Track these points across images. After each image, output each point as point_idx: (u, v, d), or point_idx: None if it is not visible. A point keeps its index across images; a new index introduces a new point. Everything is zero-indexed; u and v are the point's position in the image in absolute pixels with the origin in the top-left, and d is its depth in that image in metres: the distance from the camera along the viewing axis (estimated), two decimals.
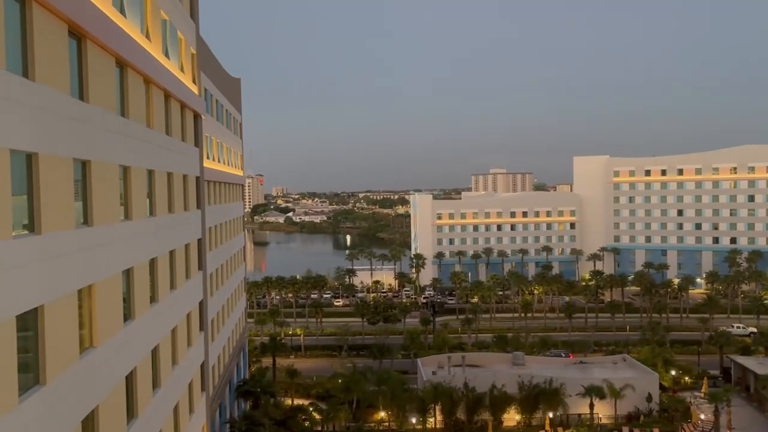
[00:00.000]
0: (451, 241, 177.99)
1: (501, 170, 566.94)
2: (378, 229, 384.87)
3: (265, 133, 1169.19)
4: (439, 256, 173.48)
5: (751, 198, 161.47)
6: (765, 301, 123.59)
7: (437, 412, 71.16)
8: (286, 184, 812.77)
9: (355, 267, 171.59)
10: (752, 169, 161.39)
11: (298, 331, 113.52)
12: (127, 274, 25.87)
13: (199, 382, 41.92)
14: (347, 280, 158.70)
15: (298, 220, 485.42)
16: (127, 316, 25.84)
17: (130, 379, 25.59)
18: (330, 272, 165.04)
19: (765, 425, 70.45)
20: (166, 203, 33.07)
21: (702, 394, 78.47)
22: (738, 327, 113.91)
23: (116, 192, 24.41)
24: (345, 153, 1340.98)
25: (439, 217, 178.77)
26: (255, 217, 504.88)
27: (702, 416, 72.03)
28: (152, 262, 29.85)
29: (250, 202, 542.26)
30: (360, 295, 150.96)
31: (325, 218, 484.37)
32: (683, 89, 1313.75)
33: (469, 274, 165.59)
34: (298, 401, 77.18)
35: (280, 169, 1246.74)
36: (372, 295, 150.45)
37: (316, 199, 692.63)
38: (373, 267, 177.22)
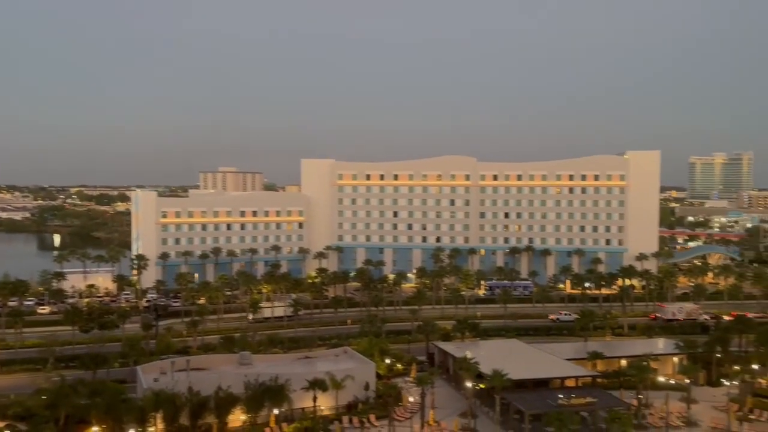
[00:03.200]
0: (177, 241, 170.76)
1: (231, 169, 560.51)
2: (93, 228, 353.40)
3: None
4: (164, 256, 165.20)
5: (452, 202, 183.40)
6: (462, 293, 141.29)
7: (159, 421, 67.62)
8: None
9: (65, 270, 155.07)
10: (453, 177, 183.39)
11: None
12: None
13: None
14: (55, 284, 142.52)
15: None
16: None
17: None
18: (34, 276, 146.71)
19: (460, 401, 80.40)
20: None
21: (411, 379, 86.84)
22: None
23: None
24: (55, 142, 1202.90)
25: (165, 216, 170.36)
26: None
27: (411, 399, 79.60)
28: None
29: None
30: (71, 300, 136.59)
31: (29, 215, 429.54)
32: (401, 102, 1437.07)
33: (197, 275, 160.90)
34: None
35: None
36: (86, 300, 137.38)
37: (16, 193, 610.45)
38: (88, 269, 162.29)
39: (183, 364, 77.62)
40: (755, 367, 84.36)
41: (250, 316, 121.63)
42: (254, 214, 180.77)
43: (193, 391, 68.69)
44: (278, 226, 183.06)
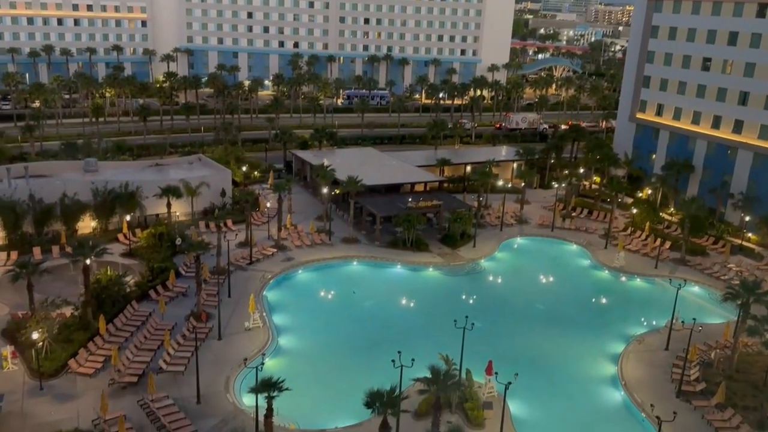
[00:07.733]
0: (0, 36, 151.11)
1: None
2: None
3: None
4: None
5: (311, 4, 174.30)
6: (320, 101, 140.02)
7: None
8: None
9: None
10: None
11: None
12: None
13: None
14: None
15: None
16: None
17: None
18: None
19: (317, 206, 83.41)
20: None
21: (268, 186, 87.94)
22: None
23: None
24: None
25: None
26: None
27: (268, 204, 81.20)
28: None
29: None
30: None
31: None
32: None
33: (27, 75, 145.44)
34: None
35: None
36: None
37: None
38: None
39: (21, 170, 72.54)
40: (581, 170, 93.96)
41: None
42: (89, 8, 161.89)
43: (35, 199, 65.32)
44: (118, 23, 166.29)
